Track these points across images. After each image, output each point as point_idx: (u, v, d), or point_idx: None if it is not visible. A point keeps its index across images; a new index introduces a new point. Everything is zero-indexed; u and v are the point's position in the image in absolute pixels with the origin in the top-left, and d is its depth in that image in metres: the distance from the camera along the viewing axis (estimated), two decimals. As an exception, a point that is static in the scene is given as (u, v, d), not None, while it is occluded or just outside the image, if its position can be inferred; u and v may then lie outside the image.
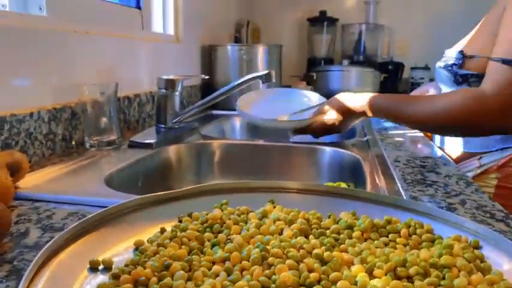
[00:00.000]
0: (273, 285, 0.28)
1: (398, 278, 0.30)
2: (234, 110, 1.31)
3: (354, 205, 0.43)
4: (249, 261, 0.31)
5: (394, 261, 0.30)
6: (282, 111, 0.86)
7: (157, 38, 1.12)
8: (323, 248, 0.33)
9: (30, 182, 0.54)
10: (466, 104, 0.69)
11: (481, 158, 0.89)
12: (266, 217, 0.39)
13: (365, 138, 0.89)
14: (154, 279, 0.29)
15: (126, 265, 0.31)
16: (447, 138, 0.97)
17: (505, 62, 0.68)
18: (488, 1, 0.90)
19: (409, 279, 0.30)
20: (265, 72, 0.78)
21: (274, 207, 0.42)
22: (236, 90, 0.82)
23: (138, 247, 0.34)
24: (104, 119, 0.76)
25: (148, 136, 0.79)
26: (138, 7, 1.04)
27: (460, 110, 0.70)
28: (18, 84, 0.63)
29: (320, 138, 0.87)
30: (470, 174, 0.86)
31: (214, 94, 0.85)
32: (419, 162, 0.69)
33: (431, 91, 1.04)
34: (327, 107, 0.85)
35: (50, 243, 0.31)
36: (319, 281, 0.29)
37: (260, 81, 0.79)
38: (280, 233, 0.36)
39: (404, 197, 0.52)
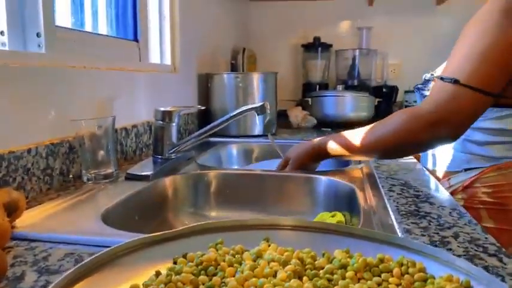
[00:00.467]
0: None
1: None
2: (231, 136, 1.34)
3: (348, 242, 0.43)
4: (243, 306, 0.31)
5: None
6: None
7: (154, 68, 1.14)
8: (317, 290, 0.34)
9: (28, 219, 0.54)
10: (407, 122, 0.72)
11: (449, 179, 0.93)
12: (261, 257, 0.40)
13: (360, 166, 0.90)
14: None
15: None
16: (428, 159, 1.00)
17: (451, 81, 0.71)
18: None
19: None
20: (260, 104, 0.80)
21: (269, 245, 0.42)
22: (231, 121, 0.83)
23: (133, 291, 0.34)
24: (101, 152, 0.77)
25: (145, 168, 0.80)
26: (136, 39, 1.06)
27: (402, 130, 0.73)
28: (16, 121, 0.64)
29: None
30: None
31: (210, 125, 0.86)
32: (413, 192, 0.70)
33: None
34: (287, 158, 0.90)
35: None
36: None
37: (255, 112, 0.81)
38: (274, 275, 0.36)
39: (398, 230, 0.52)
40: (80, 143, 0.75)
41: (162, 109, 0.85)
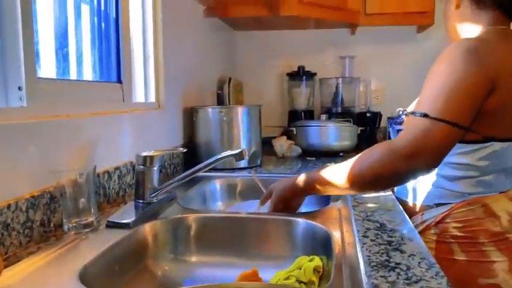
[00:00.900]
0: None
1: None
2: (216, 169, 1.35)
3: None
4: None
5: None
6: None
7: (138, 107, 1.16)
8: None
9: (6, 281, 0.55)
10: (384, 156, 0.76)
11: (423, 214, 0.97)
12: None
13: (338, 206, 0.92)
14: None
15: None
16: (405, 192, 1.03)
17: (421, 115, 0.76)
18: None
19: None
20: (239, 150, 0.82)
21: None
22: (211, 167, 0.85)
23: None
24: (83, 200, 0.78)
25: (126, 214, 0.81)
26: (119, 81, 1.09)
27: (379, 163, 0.77)
28: (-3, 177, 0.65)
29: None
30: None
31: (190, 171, 0.88)
32: (387, 238, 0.72)
33: None
34: (270, 191, 0.93)
35: None
36: None
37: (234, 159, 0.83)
38: None
39: (365, 286, 0.54)
40: (61, 193, 0.76)
41: (144, 154, 0.87)
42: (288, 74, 2.07)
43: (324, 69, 2.10)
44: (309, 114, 2.03)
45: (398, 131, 0.98)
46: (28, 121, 0.72)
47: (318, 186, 0.87)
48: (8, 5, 0.72)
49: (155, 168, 0.88)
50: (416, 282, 0.55)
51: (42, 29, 0.84)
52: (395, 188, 1.10)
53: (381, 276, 0.57)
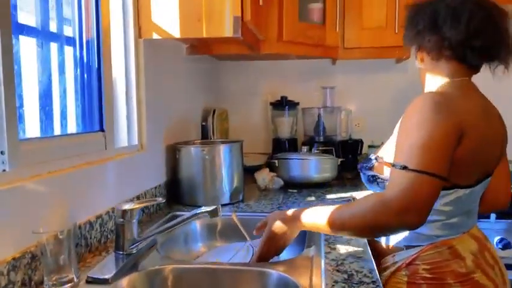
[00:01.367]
0: None
1: None
2: (198, 206, 1.39)
3: None
4: None
5: None
6: None
7: (120, 153, 1.20)
8: None
9: None
10: (376, 207, 0.81)
11: (394, 255, 1.01)
12: None
13: (311, 253, 0.96)
14: None
15: None
16: None
17: (400, 167, 0.81)
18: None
19: None
20: (214, 207, 0.87)
21: None
22: (185, 222, 0.89)
23: None
24: (63, 257, 0.81)
25: (105, 268, 0.85)
26: (102, 129, 1.13)
27: (370, 213, 0.81)
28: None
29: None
30: (386, 273, 1.00)
31: (167, 225, 0.92)
32: (352, 292, 0.77)
33: None
34: (264, 222, 0.99)
35: None
36: None
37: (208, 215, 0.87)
38: None
39: None
40: (41, 251, 0.79)
41: (123, 208, 0.90)
42: (271, 104, 2.12)
43: (307, 98, 2.15)
44: (293, 143, 2.08)
45: (370, 176, 1.02)
46: (10, 186, 0.76)
47: (309, 225, 0.93)
48: (-9, 76, 0.75)
49: (134, 220, 0.91)
50: None
51: (26, 91, 0.87)
52: None
53: None
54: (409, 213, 0.78)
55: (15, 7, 0.84)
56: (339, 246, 1.02)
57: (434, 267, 0.94)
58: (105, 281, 0.81)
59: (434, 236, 0.96)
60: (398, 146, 0.88)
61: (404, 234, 1.00)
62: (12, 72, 0.78)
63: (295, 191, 1.65)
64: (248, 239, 1.12)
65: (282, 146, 2.07)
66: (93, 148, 1.07)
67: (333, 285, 0.79)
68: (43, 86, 0.95)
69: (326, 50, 1.81)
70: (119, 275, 0.84)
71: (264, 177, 1.67)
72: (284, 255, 1.08)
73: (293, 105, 2.09)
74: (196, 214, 0.88)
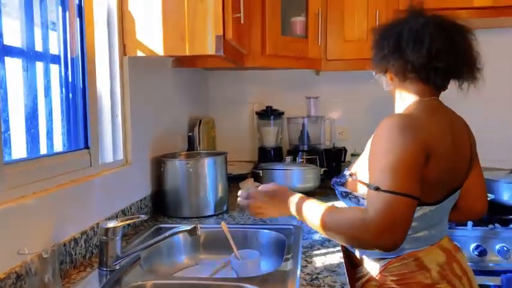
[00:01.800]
0: None
1: None
2: (183, 217, 1.43)
3: None
4: None
5: None
6: None
7: (106, 168, 1.23)
8: None
9: None
10: (356, 225, 0.86)
11: (366, 267, 1.07)
12: None
13: (288, 267, 1.01)
14: None
15: None
16: None
17: (374, 188, 0.85)
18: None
19: None
20: (192, 226, 0.91)
21: None
22: (166, 240, 0.93)
23: None
24: (47, 276, 0.84)
25: (88, 285, 0.89)
26: (87, 147, 1.16)
27: (351, 230, 0.87)
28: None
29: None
30: (358, 283, 1.05)
31: (148, 242, 0.95)
32: (323, 307, 0.81)
33: None
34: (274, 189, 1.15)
35: None
36: None
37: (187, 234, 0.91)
38: None
39: None
40: (26, 270, 0.82)
41: (106, 226, 0.94)
42: (257, 113, 2.16)
43: (292, 107, 2.20)
44: (278, 152, 2.12)
45: (342, 192, 1.06)
46: (-5, 209, 0.79)
47: (297, 212, 1.04)
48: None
49: (117, 238, 0.95)
50: None
51: (12, 114, 0.91)
52: None
53: None
54: (385, 234, 0.83)
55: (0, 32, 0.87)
56: (315, 259, 1.06)
57: (401, 278, 0.99)
58: (88, 299, 0.85)
59: (400, 248, 1.00)
60: (370, 169, 0.92)
61: None
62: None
63: (279, 200, 1.70)
64: (235, 250, 1.15)
65: (268, 155, 2.11)
66: (78, 166, 1.10)
67: (306, 300, 0.84)
68: (29, 107, 0.98)
69: (309, 62, 1.86)
70: (102, 291, 0.88)
71: (248, 186, 1.70)
72: (263, 267, 1.13)
73: (278, 114, 2.13)
74: (174, 233, 0.92)
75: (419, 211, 0.97)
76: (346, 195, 1.05)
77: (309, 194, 1.77)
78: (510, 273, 1.60)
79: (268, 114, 2.11)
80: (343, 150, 2.15)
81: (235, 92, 2.31)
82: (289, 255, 1.07)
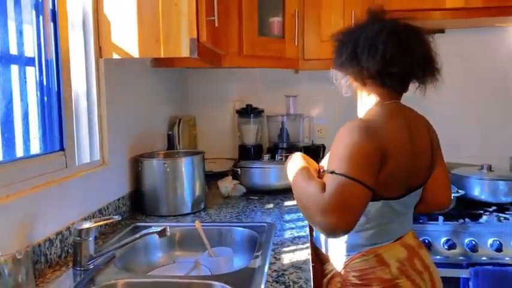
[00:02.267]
0: None
1: None
2: (161, 216, 1.46)
3: None
4: None
5: None
6: None
7: (82, 169, 1.25)
8: None
9: None
10: (312, 197, 0.92)
11: (330, 263, 1.11)
12: None
13: (257, 264, 1.05)
14: None
15: None
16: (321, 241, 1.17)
17: (332, 172, 0.92)
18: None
19: None
20: (162, 228, 0.94)
21: None
22: (142, 238, 0.96)
23: None
24: (21, 276, 0.87)
25: (62, 284, 0.92)
26: (62, 148, 1.18)
27: (308, 200, 0.94)
28: None
29: None
30: (325, 280, 1.10)
31: (122, 243, 0.99)
32: (285, 303, 0.86)
33: None
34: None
35: None
36: None
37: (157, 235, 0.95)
38: None
39: None
40: (0, 271, 0.85)
41: (80, 227, 0.97)
42: (237, 111, 2.20)
43: (271, 105, 2.24)
44: (258, 149, 2.16)
45: None
46: (-32, 213, 0.81)
47: (290, 174, 1.12)
48: None
49: (91, 239, 0.98)
50: None
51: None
52: (314, 236, 1.23)
53: None
54: (332, 214, 0.87)
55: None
56: (284, 256, 1.11)
57: (362, 274, 1.04)
58: (60, 299, 0.88)
59: (362, 245, 1.05)
60: (330, 161, 0.97)
61: (339, 243, 1.09)
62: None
63: (256, 198, 1.74)
64: (209, 248, 1.19)
65: (248, 152, 2.15)
66: (53, 168, 1.12)
67: (269, 297, 0.88)
68: (3, 112, 1.00)
69: (287, 61, 1.89)
70: (75, 291, 0.91)
71: (226, 185, 1.75)
72: (236, 264, 1.17)
73: (258, 113, 2.17)
74: (145, 234, 0.96)
75: (380, 205, 1.01)
76: None
77: (286, 191, 1.83)
78: (478, 266, 1.68)
79: (248, 112, 2.15)
80: (322, 147, 2.20)
81: (216, 90, 2.34)
82: (259, 253, 1.11)
